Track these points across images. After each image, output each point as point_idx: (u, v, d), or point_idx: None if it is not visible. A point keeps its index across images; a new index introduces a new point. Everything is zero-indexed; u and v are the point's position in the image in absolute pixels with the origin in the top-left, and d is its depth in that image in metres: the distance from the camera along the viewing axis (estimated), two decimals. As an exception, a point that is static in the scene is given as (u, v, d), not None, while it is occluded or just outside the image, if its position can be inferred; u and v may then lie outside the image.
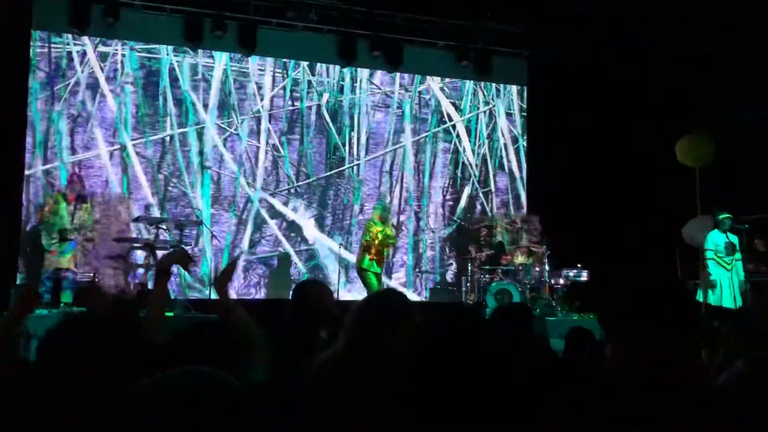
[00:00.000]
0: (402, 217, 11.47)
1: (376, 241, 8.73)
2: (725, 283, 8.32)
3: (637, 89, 10.64)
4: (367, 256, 8.80)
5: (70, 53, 10.11)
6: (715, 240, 8.40)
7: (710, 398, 1.38)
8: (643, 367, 1.38)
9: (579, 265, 9.94)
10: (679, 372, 1.37)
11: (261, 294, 10.68)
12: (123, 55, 10.36)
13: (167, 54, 10.55)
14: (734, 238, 8.40)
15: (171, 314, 7.75)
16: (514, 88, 12.28)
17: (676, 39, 10.07)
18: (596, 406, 1.39)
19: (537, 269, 9.97)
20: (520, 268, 10.06)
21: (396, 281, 11.17)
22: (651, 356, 1.39)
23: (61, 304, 8.04)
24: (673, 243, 9.31)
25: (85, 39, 10.15)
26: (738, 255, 8.36)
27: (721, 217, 8.40)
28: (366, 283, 9.16)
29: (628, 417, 1.33)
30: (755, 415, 1.35)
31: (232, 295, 10.55)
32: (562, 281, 9.88)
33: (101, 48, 10.27)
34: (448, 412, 1.33)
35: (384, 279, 11.27)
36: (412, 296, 11.19)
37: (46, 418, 1.46)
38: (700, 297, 8.40)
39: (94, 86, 10.18)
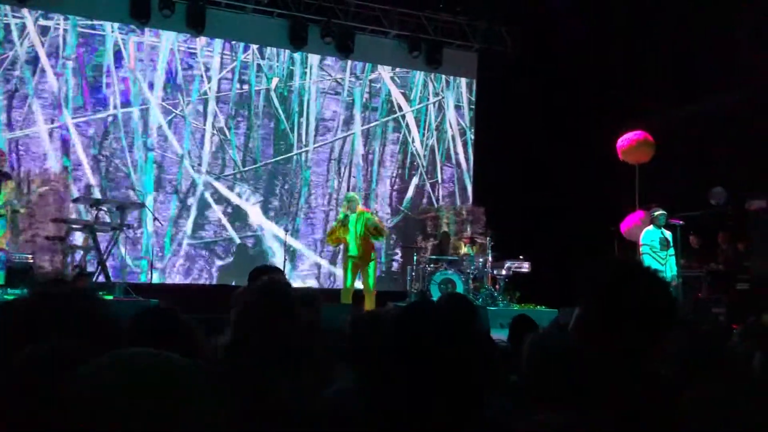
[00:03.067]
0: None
1: (329, 235, 8.85)
2: (659, 278, 8.61)
3: (581, 87, 10.88)
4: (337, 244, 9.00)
5: (8, 26, 9.71)
6: (651, 235, 8.68)
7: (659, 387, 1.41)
8: (610, 347, 1.38)
9: (521, 257, 10.14)
10: (638, 357, 1.38)
11: (206, 279, 10.53)
12: (65, 30, 10.01)
13: (112, 31, 10.25)
14: (668, 234, 8.69)
15: (111, 297, 7.58)
16: (463, 81, 12.39)
17: (617, 40, 10.34)
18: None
19: (480, 260, 10.12)
20: (464, 258, 10.20)
21: (341, 269, 11.17)
22: (621, 338, 1.37)
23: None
24: (611, 237, 9.60)
25: (25, 11, 9.77)
26: (672, 250, 8.65)
27: (657, 213, 8.67)
28: (343, 273, 9.17)
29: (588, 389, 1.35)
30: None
31: (176, 279, 10.29)
32: (504, 272, 10.07)
33: (42, 22, 9.90)
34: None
35: (329, 267, 11.29)
36: (357, 284, 11.22)
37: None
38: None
39: (33, 61, 9.82)
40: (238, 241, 10.78)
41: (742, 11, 8.82)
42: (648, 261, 8.61)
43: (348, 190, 11.47)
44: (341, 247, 9.50)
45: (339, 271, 11.13)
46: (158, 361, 1.09)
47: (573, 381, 1.49)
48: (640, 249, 8.74)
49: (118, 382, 1.03)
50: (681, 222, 8.73)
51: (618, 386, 1.34)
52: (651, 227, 8.74)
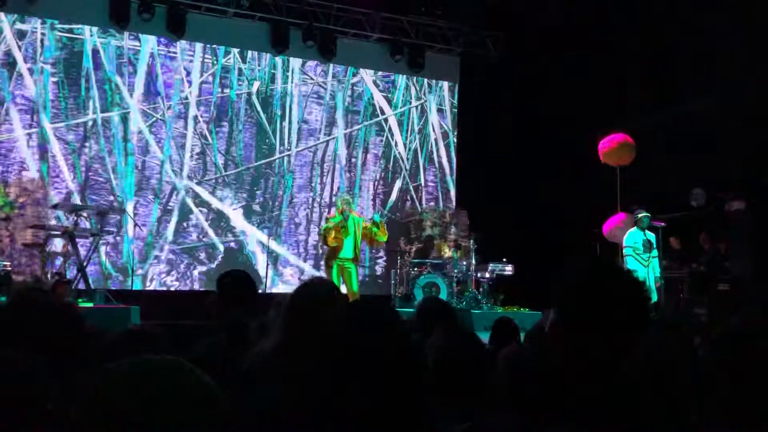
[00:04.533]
0: (333, 210, 11.41)
1: (326, 235, 8.76)
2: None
3: (563, 90, 10.92)
4: (327, 246, 8.91)
5: (-16, 29, 9.59)
6: (634, 237, 8.72)
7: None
8: (589, 354, 1.33)
9: (504, 260, 10.15)
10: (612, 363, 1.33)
11: (187, 285, 10.44)
12: (43, 34, 9.90)
13: (91, 35, 10.15)
14: (651, 236, 8.73)
15: (91, 304, 7.49)
16: (445, 84, 12.41)
17: (599, 43, 10.39)
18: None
19: (464, 263, 10.12)
20: (448, 261, 10.19)
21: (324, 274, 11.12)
22: (600, 345, 1.32)
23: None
24: (594, 239, 9.63)
25: (1, 15, 9.64)
26: (655, 252, 8.69)
27: (640, 215, 8.72)
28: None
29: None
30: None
31: (158, 286, 10.21)
32: (487, 275, 10.07)
33: (19, 25, 9.78)
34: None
35: (312, 272, 11.23)
36: (342, 289, 11.17)
37: None
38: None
39: (10, 65, 9.70)
40: (220, 246, 10.70)
41: (720, 14, 8.89)
42: (631, 263, 8.65)
43: (331, 194, 11.44)
44: (324, 250, 9.42)
45: (322, 275, 11.06)
46: (182, 369, 1.01)
47: (549, 390, 1.46)
48: (624, 251, 8.78)
49: (143, 388, 0.95)
50: (664, 224, 8.78)
51: (596, 392, 1.31)
52: (634, 229, 8.78)
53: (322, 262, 10.84)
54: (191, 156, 10.65)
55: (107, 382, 0.98)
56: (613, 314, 1.35)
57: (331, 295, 2.29)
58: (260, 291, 9.77)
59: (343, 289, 8.90)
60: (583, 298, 1.37)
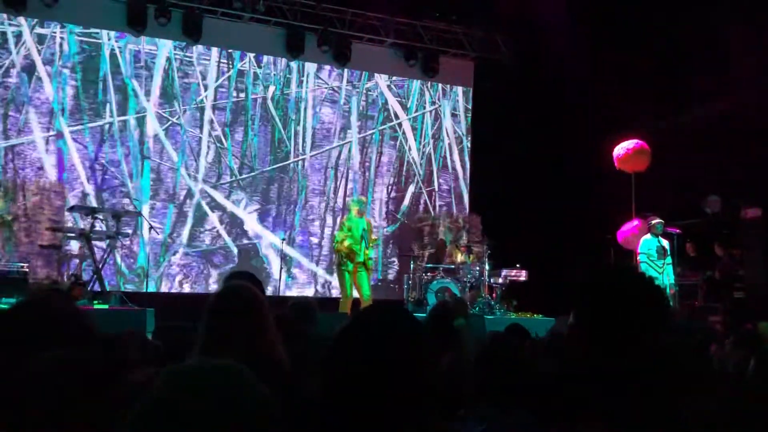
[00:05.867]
0: (346, 214, 11.44)
1: (344, 242, 8.75)
2: (656, 286, 8.58)
3: (577, 95, 10.90)
4: (341, 255, 8.87)
5: (4, 34, 9.73)
6: (648, 244, 8.68)
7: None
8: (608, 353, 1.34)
9: (518, 265, 10.11)
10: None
11: (202, 288, 10.50)
12: (62, 38, 10.02)
13: (108, 39, 10.26)
14: (666, 243, 8.69)
15: (106, 306, 7.55)
16: (459, 89, 12.42)
17: (613, 47, 10.36)
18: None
19: (477, 268, 10.09)
20: (461, 266, 10.18)
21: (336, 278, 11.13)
22: (617, 343, 1.33)
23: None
24: (608, 245, 9.59)
25: (21, 20, 9.78)
26: (669, 259, 8.65)
27: (654, 222, 8.68)
28: (340, 283, 9.09)
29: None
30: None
31: (172, 288, 10.26)
32: (501, 280, 10.03)
33: (38, 30, 9.91)
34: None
35: (325, 276, 11.26)
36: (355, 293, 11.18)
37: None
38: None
39: (29, 69, 9.82)
40: (234, 249, 10.76)
41: (733, 18, 8.85)
42: (645, 269, 8.61)
43: (345, 198, 11.47)
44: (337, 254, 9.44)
45: (335, 280, 11.08)
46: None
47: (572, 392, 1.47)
48: (638, 258, 8.74)
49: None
50: (678, 230, 8.73)
51: (607, 393, 1.32)
52: (648, 236, 8.74)
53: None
54: (206, 160, 10.73)
55: (170, 382, 0.99)
56: (630, 317, 1.35)
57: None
58: (273, 293, 9.84)
59: (356, 294, 8.94)
60: (600, 301, 1.38)
